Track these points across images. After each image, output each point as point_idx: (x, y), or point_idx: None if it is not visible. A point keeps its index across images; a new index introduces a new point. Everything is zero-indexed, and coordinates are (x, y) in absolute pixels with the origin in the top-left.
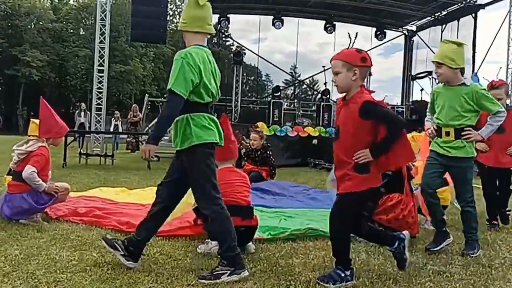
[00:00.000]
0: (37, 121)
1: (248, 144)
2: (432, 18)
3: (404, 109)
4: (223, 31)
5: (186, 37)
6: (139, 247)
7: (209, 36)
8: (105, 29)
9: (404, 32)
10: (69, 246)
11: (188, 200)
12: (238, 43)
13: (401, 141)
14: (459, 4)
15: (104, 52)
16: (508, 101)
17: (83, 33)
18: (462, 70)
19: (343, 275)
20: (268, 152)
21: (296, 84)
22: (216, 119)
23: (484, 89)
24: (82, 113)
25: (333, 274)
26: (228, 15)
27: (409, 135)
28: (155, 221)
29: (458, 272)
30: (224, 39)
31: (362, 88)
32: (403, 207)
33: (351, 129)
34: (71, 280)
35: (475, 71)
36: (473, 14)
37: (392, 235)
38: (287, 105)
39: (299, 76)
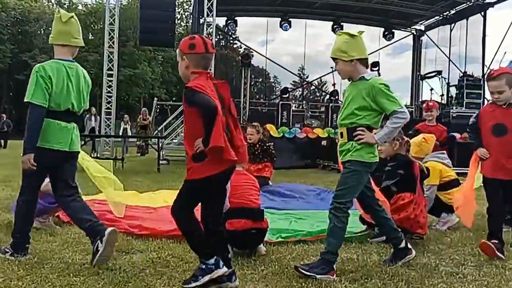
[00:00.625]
0: None
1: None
2: (441, 17)
3: (413, 109)
4: (230, 33)
5: (54, 50)
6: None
7: (77, 49)
8: (113, 34)
9: (413, 31)
10: (81, 249)
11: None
12: (245, 45)
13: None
14: (467, 3)
15: (113, 57)
16: None
17: (92, 38)
18: (364, 62)
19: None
20: (267, 144)
21: (304, 86)
22: (72, 127)
23: (384, 84)
24: (93, 117)
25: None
26: (235, 18)
27: (420, 136)
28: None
29: (471, 273)
30: (231, 41)
31: (199, 75)
32: (415, 206)
33: (186, 118)
34: (84, 283)
35: (486, 70)
36: (482, 13)
37: None
38: (295, 107)
39: (307, 77)
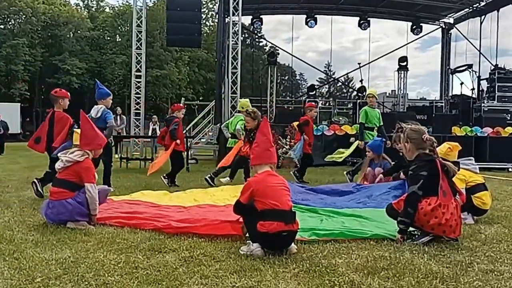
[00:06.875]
0: (79, 130)
1: (283, 144)
2: (471, 10)
3: (443, 104)
4: (256, 32)
5: None
6: None
7: None
8: (141, 35)
9: (441, 25)
10: (115, 249)
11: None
12: (271, 43)
13: None
14: None
15: (141, 58)
16: None
17: (120, 40)
18: None
19: None
20: None
21: (331, 82)
22: None
23: None
24: (118, 118)
25: None
26: (260, 16)
27: (445, 145)
28: None
29: (507, 271)
30: (257, 40)
31: None
32: (444, 211)
33: None
34: (119, 282)
35: None
36: None
37: None
38: (322, 104)
39: (333, 74)
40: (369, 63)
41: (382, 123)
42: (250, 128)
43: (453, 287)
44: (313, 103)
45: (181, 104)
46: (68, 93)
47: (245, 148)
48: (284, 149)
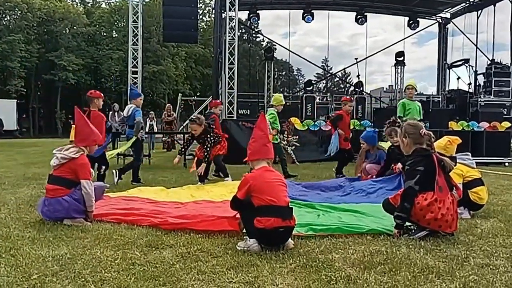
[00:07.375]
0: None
1: (281, 140)
2: (467, 4)
3: (440, 99)
4: (253, 27)
5: None
6: None
7: None
8: (137, 31)
9: (438, 20)
10: (112, 245)
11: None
12: (268, 38)
13: None
14: None
15: (137, 54)
16: None
17: (116, 35)
18: None
19: None
20: (208, 136)
21: (328, 77)
22: None
23: None
24: (116, 114)
25: None
26: (257, 11)
27: (445, 138)
28: None
29: (503, 265)
30: (254, 35)
31: None
32: (440, 205)
33: None
34: (116, 278)
35: None
36: None
37: None
38: (319, 99)
39: (331, 69)
40: (366, 58)
41: (422, 117)
42: (197, 135)
43: (449, 281)
44: (348, 97)
45: (218, 101)
46: (102, 94)
47: (199, 151)
48: (282, 144)
